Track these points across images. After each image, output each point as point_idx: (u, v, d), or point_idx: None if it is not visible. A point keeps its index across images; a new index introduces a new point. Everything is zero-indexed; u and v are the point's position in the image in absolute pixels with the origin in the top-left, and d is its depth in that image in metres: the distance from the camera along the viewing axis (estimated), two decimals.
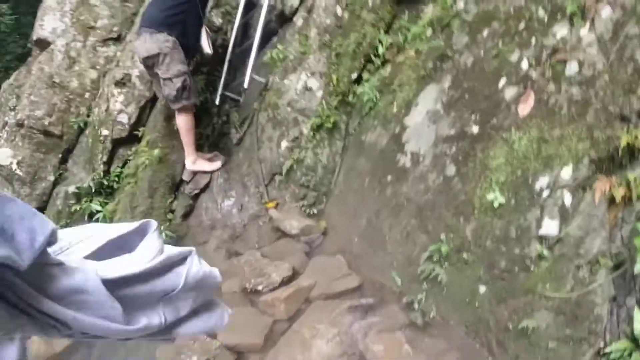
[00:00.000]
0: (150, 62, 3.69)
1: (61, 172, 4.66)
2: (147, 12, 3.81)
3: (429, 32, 3.21)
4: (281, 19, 4.20)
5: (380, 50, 3.46)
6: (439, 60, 3.02)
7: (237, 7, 4.53)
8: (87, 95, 4.72)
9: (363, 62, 3.55)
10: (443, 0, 3.13)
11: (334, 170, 3.38)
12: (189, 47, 3.83)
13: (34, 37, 4.85)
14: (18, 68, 5.60)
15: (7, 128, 4.64)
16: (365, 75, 3.52)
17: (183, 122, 3.77)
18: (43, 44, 4.84)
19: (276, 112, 3.59)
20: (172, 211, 3.99)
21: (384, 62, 3.47)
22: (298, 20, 3.98)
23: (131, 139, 4.30)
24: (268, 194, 3.56)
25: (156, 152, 3.97)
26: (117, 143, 4.31)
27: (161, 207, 3.94)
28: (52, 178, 4.63)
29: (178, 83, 3.62)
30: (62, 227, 3.75)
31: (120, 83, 4.24)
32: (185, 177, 4.06)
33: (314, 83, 3.54)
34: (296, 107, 3.50)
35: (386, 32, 3.61)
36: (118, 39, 4.94)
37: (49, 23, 4.81)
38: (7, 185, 4.59)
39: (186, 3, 3.66)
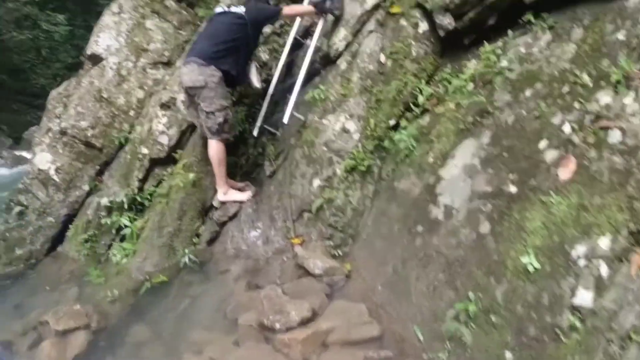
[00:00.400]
0: (193, 92, 3.82)
1: (96, 183, 4.79)
2: (199, 44, 3.97)
3: (470, 86, 3.24)
4: (325, 61, 4.31)
5: (420, 99, 3.50)
6: (479, 115, 3.03)
7: (284, 46, 4.69)
8: (131, 113, 4.90)
9: (402, 110, 3.60)
10: (486, 56, 3.17)
11: (364, 213, 3.37)
12: (236, 80, 3.96)
13: (88, 52, 5.10)
14: (67, 77, 5.88)
15: (50, 134, 4.83)
16: (403, 123, 3.56)
17: (216, 152, 3.85)
18: (96, 59, 5.08)
19: (312, 149, 3.64)
20: (198, 235, 4.03)
21: (423, 112, 3.50)
22: (342, 64, 4.07)
23: (168, 160, 4.41)
24: (295, 229, 3.57)
25: (191, 175, 4.05)
26: (155, 162, 4.42)
27: (188, 230, 3.98)
28: (86, 188, 4.76)
29: (220, 117, 3.73)
30: (90, 237, 3.82)
31: (165, 106, 4.39)
32: (216, 203, 4.11)
33: (351, 125, 3.59)
34: (332, 147, 3.54)
35: (427, 82, 3.67)
36: (168, 64, 5.15)
37: (104, 40, 5.06)
38: (42, 188, 4.74)
39: (237, 40, 3.82)
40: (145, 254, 3.88)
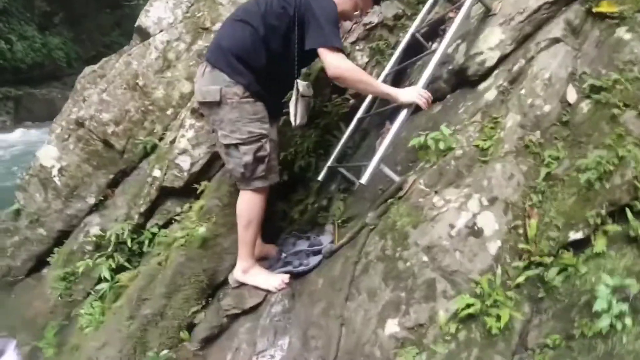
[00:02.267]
0: (206, 112, 2.33)
1: (105, 196, 3.51)
2: (219, 35, 2.44)
3: None
4: (457, 80, 2.56)
5: None
6: None
7: (394, 46, 2.99)
8: (169, 111, 3.53)
9: (604, 211, 1.70)
10: None
11: None
12: (268, 104, 2.38)
13: (137, 24, 3.84)
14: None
15: (64, 122, 3.64)
16: (600, 241, 1.66)
17: (246, 208, 2.32)
18: (143, 35, 3.81)
19: (399, 250, 1.88)
20: (191, 327, 2.50)
21: None
22: (488, 91, 2.29)
23: (186, 191, 2.95)
24: None
25: (202, 230, 2.53)
26: (167, 192, 2.99)
27: (177, 316, 2.47)
28: (92, 201, 3.51)
29: (247, 155, 2.21)
30: (67, 275, 2.41)
31: (197, 112, 2.92)
32: (231, 281, 2.55)
33: (488, 220, 1.78)
34: (439, 258, 1.76)
35: None
36: None
37: (157, 10, 3.76)
38: (41, 190, 3.59)
39: (274, 38, 2.29)
40: (107, 337, 2.46)
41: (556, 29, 2.23)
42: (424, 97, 2.16)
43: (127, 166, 3.53)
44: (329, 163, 2.76)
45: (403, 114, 2.15)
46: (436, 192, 2.01)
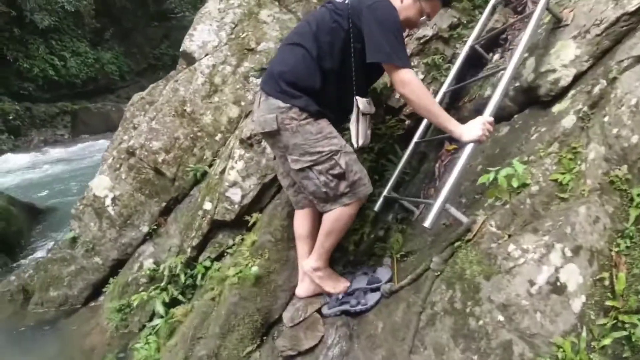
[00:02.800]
0: (270, 141, 2.22)
1: (158, 225, 3.52)
2: (272, 61, 2.30)
3: None
4: (526, 98, 2.33)
5: None
6: None
7: (451, 59, 2.79)
8: (218, 137, 3.50)
9: None
10: None
11: None
12: (333, 120, 2.22)
13: (182, 48, 3.83)
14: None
15: (116, 152, 3.68)
16: None
17: (333, 219, 2.19)
18: (189, 59, 3.79)
19: (470, 305, 1.70)
20: None
21: None
22: (564, 116, 2.05)
23: (238, 223, 2.88)
24: None
25: (255, 269, 2.44)
26: (218, 225, 2.93)
27: (232, 356, 2.39)
28: (145, 229, 3.53)
29: (322, 175, 2.07)
30: (123, 307, 2.43)
31: (245, 142, 2.84)
32: (286, 318, 2.45)
33: (572, 274, 1.57)
34: (518, 319, 1.56)
35: None
36: None
37: (200, 34, 3.72)
38: (96, 220, 3.64)
39: (328, 56, 2.09)
40: None
41: (639, 45, 1.96)
42: (490, 129, 1.95)
43: (179, 194, 3.52)
44: (385, 192, 2.60)
45: (468, 150, 1.95)
46: (510, 236, 1.81)
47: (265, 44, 3.65)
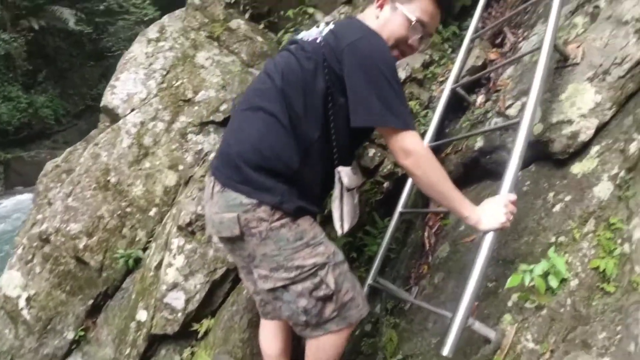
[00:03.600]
0: (228, 247, 1.59)
1: (86, 329, 2.80)
2: (225, 136, 1.66)
3: None
4: (532, 154, 1.87)
5: None
6: None
7: (426, 105, 2.31)
8: (152, 212, 2.85)
9: None
10: None
11: None
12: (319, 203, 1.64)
13: (102, 103, 3.18)
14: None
15: (26, 240, 2.95)
16: None
17: (317, 348, 1.59)
18: (112, 116, 3.14)
19: None
20: None
21: None
22: (594, 181, 1.60)
23: (185, 334, 2.23)
24: None
25: None
26: (158, 339, 2.27)
27: None
28: (70, 335, 2.80)
29: (302, 298, 1.47)
30: None
31: (185, 229, 2.21)
32: None
33: None
34: None
35: None
36: (224, 124, 3.04)
37: (125, 85, 3.09)
38: (11, 326, 2.88)
39: (298, 118, 1.46)
40: None
41: None
42: (513, 210, 1.44)
43: (108, 287, 2.83)
44: (369, 279, 2.05)
45: (488, 241, 1.43)
46: (553, 352, 1.30)
47: (204, 92, 3.07)
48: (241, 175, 1.44)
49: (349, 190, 1.61)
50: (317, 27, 1.59)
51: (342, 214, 1.63)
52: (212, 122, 3.02)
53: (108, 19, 17.01)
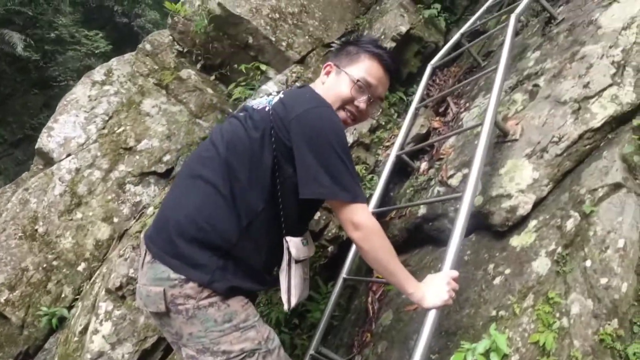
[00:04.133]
0: (156, 321, 1.46)
1: None
2: (164, 203, 1.55)
3: None
4: (472, 224, 1.91)
5: None
6: None
7: (372, 169, 2.32)
8: (81, 267, 2.65)
9: None
10: None
11: None
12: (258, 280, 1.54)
13: (37, 145, 2.98)
14: None
15: None
16: None
17: None
18: (46, 159, 2.96)
19: None
20: None
21: None
22: (533, 256, 1.65)
23: None
24: None
25: None
26: None
27: None
28: None
29: None
30: None
31: (115, 293, 2.05)
32: None
33: None
34: None
35: None
36: (167, 175, 2.93)
37: (63, 128, 2.93)
38: None
39: (255, 192, 1.40)
40: None
41: (613, 169, 1.61)
42: (456, 287, 1.42)
43: (29, 346, 2.57)
44: (312, 349, 1.95)
45: (430, 319, 1.40)
46: None
47: (147, 141, 2.96)
48: (173, 247, 1.35)
49: (297, 262, 1.54)
50: (267, 95, 1.57)
51: (290, 286, 1.54)
52: (154, 172, 2.90)
53: (58, 47, 16.51)
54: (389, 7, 3.14)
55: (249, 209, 1.39)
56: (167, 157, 2.92)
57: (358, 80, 1.51)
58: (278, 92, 1.56)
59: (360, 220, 1.34)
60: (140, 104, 3.08)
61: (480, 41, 2.59)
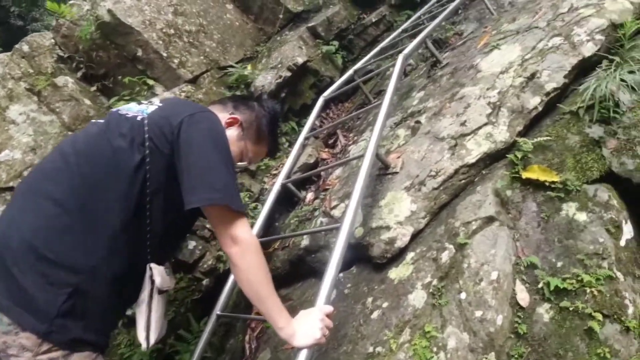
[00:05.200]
0: None
1: None
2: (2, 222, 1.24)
3: None
4: (352, 255, 1.88)
5: None
6: None
7: (256, 197, 2.22)
8: None
9: None
10: None
11: None
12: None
13: None
14: None
15: None
16: None
17: None
18: None
19: None
20: None
21: None
22: (409, 289, 1.65)
23: None
24: None
25: None
26: None
27: None
28: None
29: None
30: None
31: None
32: None
33: None
34: None
35: None
36: None
37: None
38: None
39: (122, 205, 1.21)
40: None
41: (486, 203, 1.67)
42: (330, 324, 1.32)
43: None
44: None
45: (302, 358, 1.28)
46: None
47: (9, 152, 2.58)
48: (5, 281, 1.10)
49: (160, 292, 1.34)
50: (138, 103, 1.42)
51: (150, 321, 1.33)
52: (12, 188, 2.52)
53: None
54: (289, 39, 3.15)
55: (106, 229, 1.19)
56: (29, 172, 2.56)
57: (249, 160, 1.59)
58: (149, 103, 1.41)
59: (241, 234, 1.21)
60: (5, 110, 2.70)
61: (371, 78, 2.67)
